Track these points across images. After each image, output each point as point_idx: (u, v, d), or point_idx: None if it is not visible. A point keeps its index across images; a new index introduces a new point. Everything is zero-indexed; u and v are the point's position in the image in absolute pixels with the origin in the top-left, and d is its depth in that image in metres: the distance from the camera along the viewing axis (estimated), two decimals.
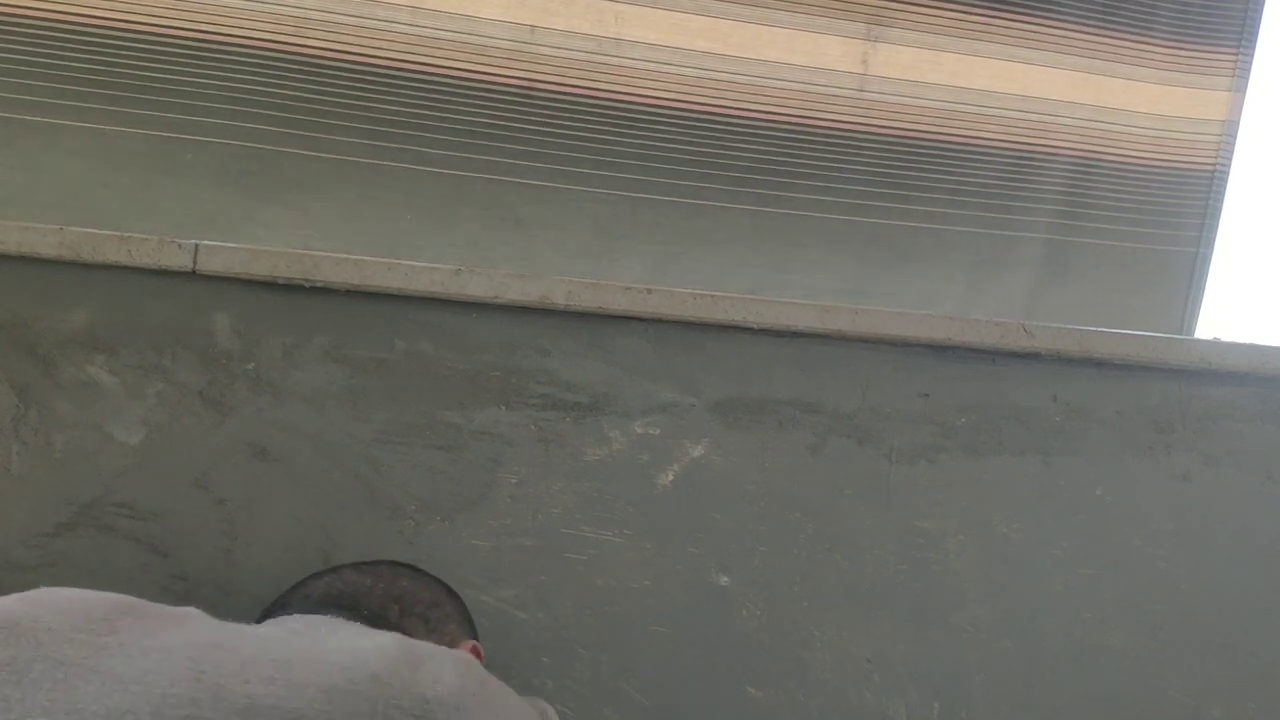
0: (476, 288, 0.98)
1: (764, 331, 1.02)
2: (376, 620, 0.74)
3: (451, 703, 0.56)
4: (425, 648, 0.61)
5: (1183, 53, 1.76)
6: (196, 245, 0.95)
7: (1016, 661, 1.04)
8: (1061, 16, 1.73)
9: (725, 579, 1.02)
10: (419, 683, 0.56)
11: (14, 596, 0.60)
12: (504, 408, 1.00)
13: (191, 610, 0.63)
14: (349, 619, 0.72)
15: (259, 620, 0.78)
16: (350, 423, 0.98)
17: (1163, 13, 1.75)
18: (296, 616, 0.72)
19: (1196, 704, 1.06)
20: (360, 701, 0.53)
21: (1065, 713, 1.04)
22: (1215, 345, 1.07)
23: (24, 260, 0.94)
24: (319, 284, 0.97)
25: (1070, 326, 1.05)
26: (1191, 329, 1.79)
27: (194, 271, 0.95)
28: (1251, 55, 1.76)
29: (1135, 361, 1.06)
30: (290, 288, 0.97)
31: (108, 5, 1.48)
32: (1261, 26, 1.75)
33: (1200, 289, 1.79)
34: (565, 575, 1.00)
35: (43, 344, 0.95)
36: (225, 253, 0.96)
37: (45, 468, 0.95)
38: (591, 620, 1.00)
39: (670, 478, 1.01)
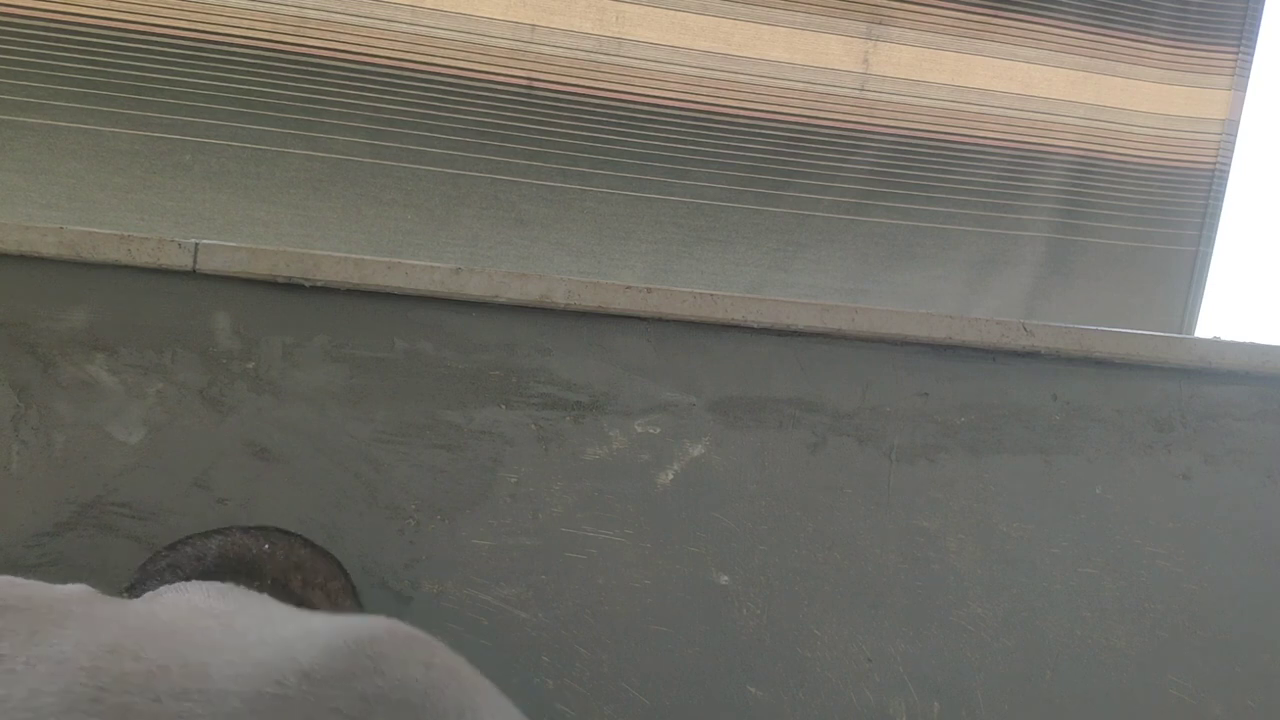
0: (476, 287, 0.98)
1: (764, 331, 1.02)
2: (279, 591, 0.69)
3: (395, 698, 0.47)
4: (355, 625, 0.51)
5: (1183, 52, 1.76)
6: (196, 244, 0.95)
7: (1017, 660, 1.04)
8: (1062, 16, 1.73)
9: (725, 578, 1.02)
10: (356, 676, 0.47)
11: None
12: (504, 407, 1.00)
13: (78, 589, 0.54)
14: (250, 589, 0.66)
15: (140, 579, 0.73)
16: (350, 422, 0.98)
17: (1162, 12, 1.75)
18: (195, 584, 0.65)
19: (1197, 702, 1.06)
20: (292, 710, 0.45)
21: (1066, 711, 1.05)
22: (1215, 345, 1.07)
23: (24, 260, 0.94)
24: (319, 283, 0.97)
25: (1070, 326, 1.05)
26: (1191, 328, 1.79)
27: (194, 271, 0.95)
28: (1251, 55, 1.76)
29: (1135, 361, 1.06)
30: (290, 287, 0.97)
31: (106, 5, 1.48)
32: (1261, 26, 1.75)
33: (1200, 288, 1.79)
34: (565, 575, 1.00)
35: (43, 344, 0.95)
36: (225, 252, 0.96)
37: (45, 467, 0.95)
38: (591, 620, 1.00)
39: (670, 477, 1.01)
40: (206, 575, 0.70)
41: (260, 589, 0.67)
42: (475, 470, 0.99)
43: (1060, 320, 1.18)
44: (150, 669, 0.46)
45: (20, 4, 1.46)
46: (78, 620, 0.49)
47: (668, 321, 1.01)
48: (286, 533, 0.86)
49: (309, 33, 1.53)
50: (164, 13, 1.49)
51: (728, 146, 1.66)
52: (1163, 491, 1.07)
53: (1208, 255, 1.78)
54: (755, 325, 1.01)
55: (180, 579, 0.70)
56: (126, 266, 0.95)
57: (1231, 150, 1.77)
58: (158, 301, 0.96)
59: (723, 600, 1.01)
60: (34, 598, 0.51)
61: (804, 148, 1.68)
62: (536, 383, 1.00)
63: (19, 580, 0.52)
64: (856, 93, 1.69)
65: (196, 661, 0.46)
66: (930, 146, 1.72)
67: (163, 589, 0.66)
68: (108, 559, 0.95)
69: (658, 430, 1.01)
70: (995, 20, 1.72)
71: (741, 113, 1.66)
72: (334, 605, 0.76)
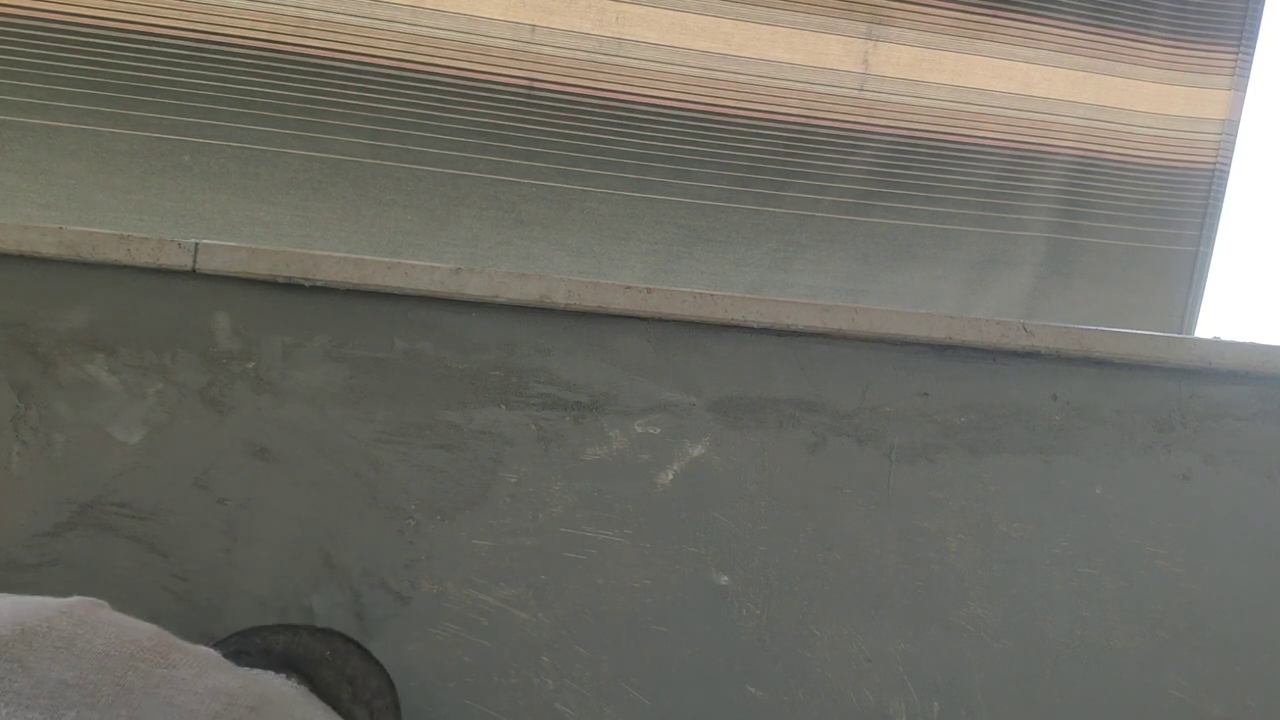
0: (476, 287, 0.98)
1: (764, 331, 1.02)
2: (331, 698, 0.78)
3: None
4: None
5: (1182, 52, 1.76)
6: (196, 244, 0.95)
7: (1016, 660, 1.04)
8: (1061, 16, 1.73)
9: (725, 578, 1.02)
10: None
11: (53, 608, 0.59)
12: (504, 407, 1.00)
13: (207, 648, 0.65)
14: (301, 685, 0.76)
15: (215, 648, 0.80)
16: (350, 422, 0.98)
17: (1161, 12, 1.75)
18: (270, 675, 0.74)
19: (1197, 702, 1.06)
20: None
21: (1065, 711, 1.04)
22: (1215, 345, 1.07)
23: (24, 260, 0.94)
24: (319, 283, 0.96)
25: (1070, 326, 1.05)
26: (1191, 328, 1.79)
27: (194, 271, 0.95)
28: (1251, 55, 1.76)
29: (1135, 361, 1.06)
30: (290, 287, 0.97)
31: (105, 6, 1.48)
32: (1261, 26, 1.75)
33: (1200, 288, 1.79)
34: (565, 575, 1.00)
35: (43, 344, 0.95)
36: (225, 252, 0.96)
37: (45, 468, 0.95)
38: (591, 620, 1.00)
39: (670, 477, 1.01)
40: (273, 667, 0.78)
41: (312, 689, 0.77)
42: (475, 470, 0.99)
43: (1060, 320, 1.18)
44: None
45: (20, 4, 1.46)
46: (228, 669, 0.61)
47: (668, 321, 1.01)
48: (348, 640, 0.91)
49: (309, 33, 1.53)
50: (163, 13, 1.49)
51: (727, 147, 1.66)
52: (1163, 491, 1.07)
53: (1208, 255, 1.78)
54: (755, 325, 1.01)
55: (247, 665, 0.76)
56: (126, 266, 0.95)
57: (1231, 150, 1.77)
58: (158, 301, 0.96)
59: (723, 600, 1.01)
60: (185, 643, 0.62)
61: (804, 148, 1.68)
62: (536, 383, 1.00)
63: (157, 627, 0.63)
64: (856, 93, 1.69)
65: None
66: (930, 146, 1.72)
67: (247, 670, 0.74)
68: (108, 559, 0.95)
69: (658, 430, 1.01)
70: (995, 20, 1.71)
71: (741, 113, 1.66)
72: None
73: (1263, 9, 1.75)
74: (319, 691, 0.77)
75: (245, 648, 0.81)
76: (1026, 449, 1.06)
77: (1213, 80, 1.77)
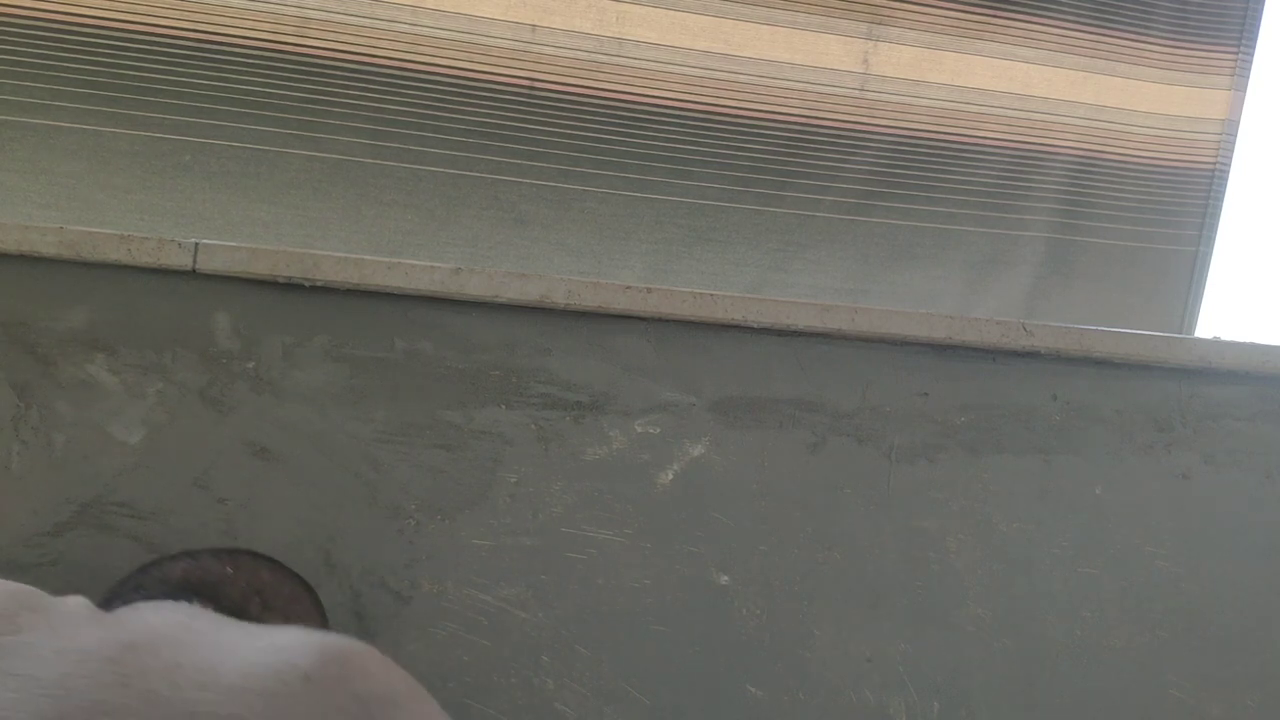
0: (476, 287, 0.98)
1: (764, 331, 1.02)
2: (238, 613, 0.75)
3: (385, 696, 0.57)
4: (339, 641, 0.60)
5: (1182, 52, 1.76)
6: (196, 244, 0.95)
7: (1016, 660, 1.04)
8: (1061, 16, 1.73)
9: (725, 578, 1.02)
10: (350, 679, 0.56)
11: None
12: (504, 407, 1.00)
13: (80, 599, 0.61)
14: (209, 608, 0.71)
15: (108, 598, 0.77)
16: (350, 422, 0.98)
17: (1162, 12, 1.75)
18: (167, 603, 0.70)
19: (1196, 702, 1.06)
20: (298, 704, 0.53)
21: (1065, 711, 1.05)
22: (1215, 345, 1.07)
23: (24, 260, 0.94)
24: (319, 283, 0.97)
25: (1070, 326, 1.05)
26: (1191, 328, 1.79)
27: (194, 270, 0.95)
28: (1252, 54, 1.76)
29: (1135, 360, 1.06)
30: (290, 287, 0.97)
31: (106, 6, 1.48)
32: (1261, 26, 1.75)
33: (1200, 288, 1.79)
34: (565, 575, 1.00)
35: (43, 344, 0.95)
36: (225, 252, 0.96)
37: (45, 467, 0.95)
38: (591, 620, 1.00)
39: (670, 477, 1.01)
40: (171, 595, 0.74)
41: (218, 610, 0.72)
42: (475, 470, 0.99)
43: (1060, 320, 1.18)
44: (168, 664, 0.53)
45: (20, 4, 1.46)
46: (90, 622, 0.57)
47: (668, 321, 1.01)
48: (256, 555, 0.87)
49: (310, 33, 1.53)
50: (164, 13, 1.49)
51: (728, 147, 1.66)
52: (1163, 491, 1.07)
53: (1208, 255, 1.78)
54: (755, 325, 1.01)
55: (145, 599, 0.73)
56: (126, 266, 0.95)
57: (1231, 150, 1.77)
58: (158, 301, 0.96)
59: (723, 600, 1.01)
60: (46, 602, 0.58)
61: (804, 148, 1.68)
62: (536, 383, 1.00)
63: (26, 586, 0.59)
64: (856, 93, 1.69)
65: (206, 662, 0.54)
66: (930, 146, 1.72)
67: (139, 604, 0.70)
68: (107, 559, 0.95)
69: (658, 430, 1.01)
70: (995, 20, 1.71)
71: (741, 113, 1.66)
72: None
73: (1263, 9, 1.75)
74: (225, 610, 0.73)
75: (143, 582, 0.78)
76: (1026, 449, 1.06)
77: (1213, 80, 1.77)
